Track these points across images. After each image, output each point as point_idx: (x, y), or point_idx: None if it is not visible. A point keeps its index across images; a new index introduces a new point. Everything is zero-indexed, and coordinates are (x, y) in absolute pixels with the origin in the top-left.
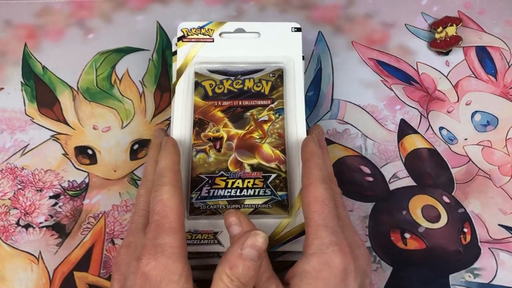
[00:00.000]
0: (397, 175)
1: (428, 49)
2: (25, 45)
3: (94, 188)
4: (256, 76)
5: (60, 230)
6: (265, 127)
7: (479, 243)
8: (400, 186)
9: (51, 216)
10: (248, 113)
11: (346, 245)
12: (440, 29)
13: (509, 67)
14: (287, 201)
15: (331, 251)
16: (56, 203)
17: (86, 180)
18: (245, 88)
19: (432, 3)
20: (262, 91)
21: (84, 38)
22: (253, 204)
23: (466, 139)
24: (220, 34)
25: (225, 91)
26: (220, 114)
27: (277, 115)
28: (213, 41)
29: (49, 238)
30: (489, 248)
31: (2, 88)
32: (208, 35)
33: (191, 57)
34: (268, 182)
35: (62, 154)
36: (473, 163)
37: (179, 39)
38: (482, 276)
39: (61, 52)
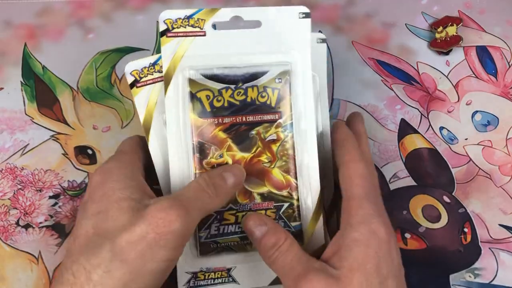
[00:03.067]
0: (397, 175)
1: (429, 49)
2: (25, 45)
3: None
4: (261, 83)
5: (60, 230)
6: (274, 148)
7: (480, 243)
8: (401, 186)
9: (51, 216)
10: (253, 132)
11: (387, 220)
12: (440, 28)
13: (510, 66)
14: (301, 231)
15: (377, 222)
16: (56, 203)
17: (86, 180)
18: (248, 99)
19: (432, 3)
20: (268, 102)
21: (84, 38)
22: None
23: (466, 139)
24: (213, 26)
25: (225, 104)
26: (222, 135)
27: (286, 133)
28: (204, 35)
29: (49, 238)
30: (489, 248)
31: (2, 88)
32: (198, 26)
33: (180, 57)
34: (280, 213)
35: (62, 154)
36: (474, 163)
37: (162, 33)
38: (483, 276)
39: (61, 52)
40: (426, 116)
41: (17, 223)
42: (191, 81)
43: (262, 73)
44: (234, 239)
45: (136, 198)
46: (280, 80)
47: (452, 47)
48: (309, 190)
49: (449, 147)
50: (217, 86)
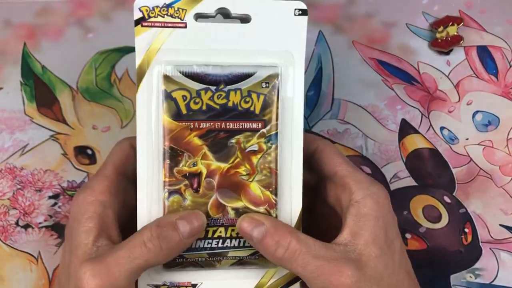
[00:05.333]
0: (398, 175)
1: (429, 49)
2: (24, 44)
3: None
4: (245, 86)
5: (59, 230)
6: (254, 160)
7: (480, 244)
8: (401, 186)
9: (51, 216)
10: (233, 140)
11: (376, 180)
12: (441, 28)
13: (511, 66)
14: None
15: (376, 190)
16: (55, 203)
17: (86, 180)
18: (230, 104)
19: (433, 3)
20: (252, 109)
21: (83, 38)
22: (237, 256)
23: (467, 139)
24: (195, 17)
25: (204, 107)
26: (197, 141)
27: (269, 144)
28: (185, 27)
29: (49, 238)
30: (490, 249)
31: (1, 88)
32: (178, 17)
33: (155, 51)
34: None
35: (62, 154)
36: (474, 163)
37: (137, 22)
38: (483, 276)
39: (61, 52)
40: (427, 116)
41: (17, 223)
42: (167, 78)
43: (248, 75)
44: (201, 255)
45: (89, 243)
46: (267, 85)
47: (452, 47)
48: (289, 209)
49: (450, 147)
50: (196, 86)
